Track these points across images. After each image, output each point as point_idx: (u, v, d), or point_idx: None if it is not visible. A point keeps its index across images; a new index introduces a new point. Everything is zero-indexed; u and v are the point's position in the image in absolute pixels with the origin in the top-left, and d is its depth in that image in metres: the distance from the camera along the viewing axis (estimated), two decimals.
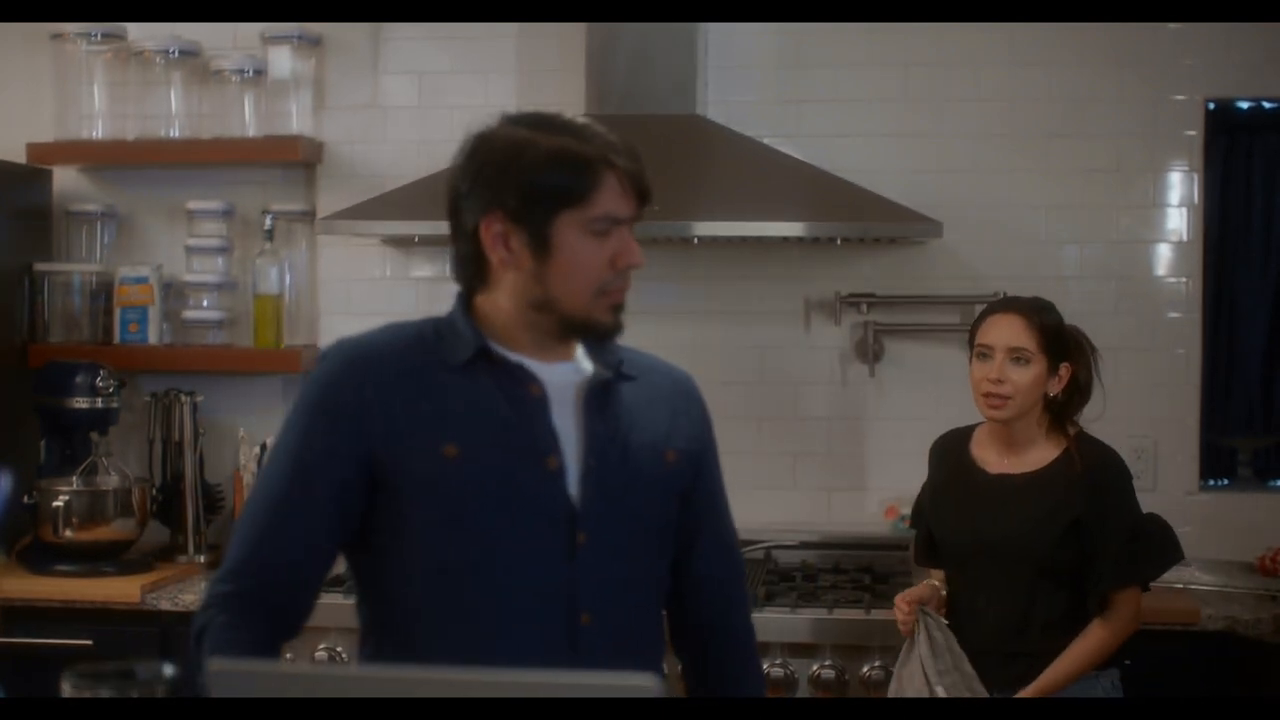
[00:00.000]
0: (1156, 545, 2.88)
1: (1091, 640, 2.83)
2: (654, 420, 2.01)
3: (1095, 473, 2.86)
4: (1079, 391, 2.93)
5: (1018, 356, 2.86)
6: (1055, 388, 2.90)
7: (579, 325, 1.93)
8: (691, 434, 2.07)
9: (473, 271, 1.95)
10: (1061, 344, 2.90)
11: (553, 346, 1.96)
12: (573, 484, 1.91)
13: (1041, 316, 2.89)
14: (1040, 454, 2.92)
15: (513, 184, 1.87)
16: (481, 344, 1.92)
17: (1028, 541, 2.85)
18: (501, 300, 1.93)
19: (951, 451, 3.03)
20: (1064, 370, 2.90)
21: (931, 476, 3.07)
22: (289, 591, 1.90)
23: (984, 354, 2.90)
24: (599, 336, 1.96)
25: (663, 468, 2.00)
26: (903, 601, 2.89)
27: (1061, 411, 2.92)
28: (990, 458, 2.96)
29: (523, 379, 1.92)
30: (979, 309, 3.08)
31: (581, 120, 1.95)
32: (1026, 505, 2.87)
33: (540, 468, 1.90)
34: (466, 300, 1.98)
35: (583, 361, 1.99)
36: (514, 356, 1.93)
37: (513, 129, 1.92)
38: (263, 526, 1.89)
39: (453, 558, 1.87)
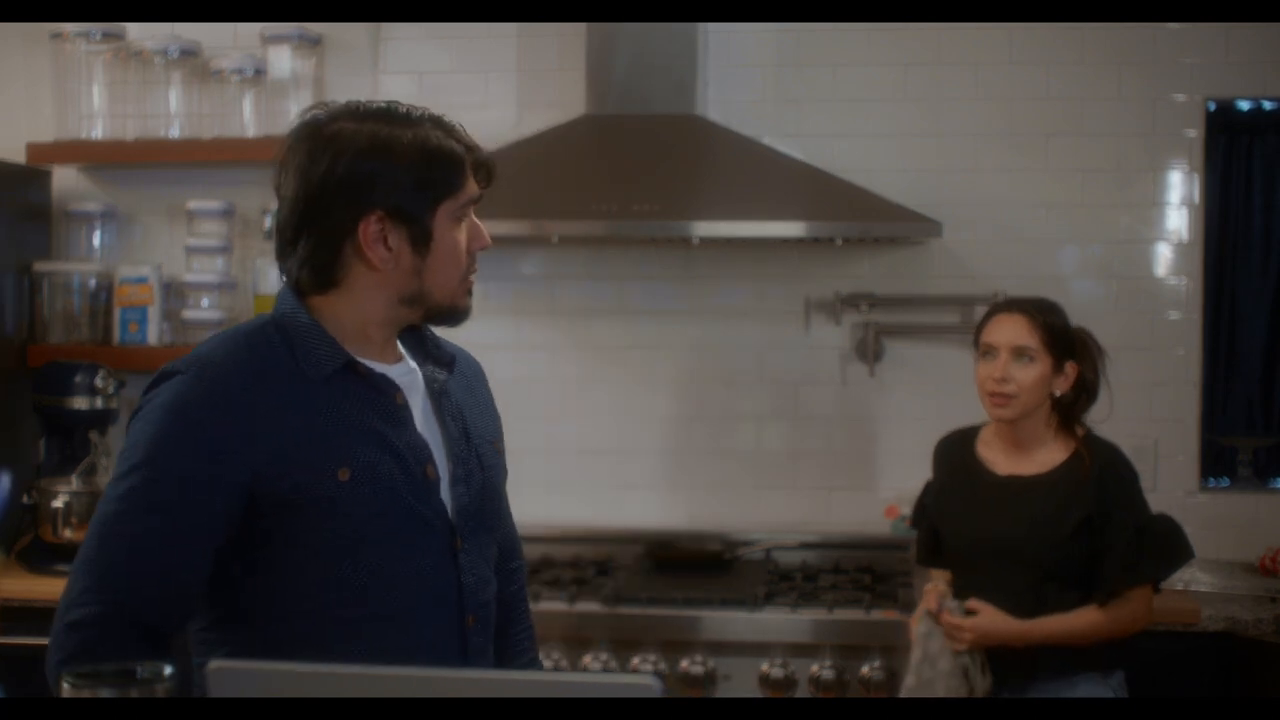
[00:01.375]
0: (1165, 545, 2.88)
1: (1086, 616, 2.82)
2: (479, 412, 2.04)
3: (1104, 471, 2.86)
4: (1086, 392, 2.93)
5: (1022, 355, 2.86)
6: (1061, 386, 2.90)
7: (445, 312, 1.94)
8: (497, 418, 2.10)
9: (327, 275, 1.88)
10: (1066, 343, 2.90)
11: (391, 345, 1.95)
12: (444, 490, 1.92)
13: (1045, 316, 2.89)
14: (1050, 455, 2.92)
15: (390, 183, 1.85)
16: (346, 357, 1.87)
17: (1038, 542, 2.84)
18: (357, 300, 1.89)
19: (957, 452, 3.02)
20: (1070, 369, 2.90)
21: (936, 477, 3.07)
22: (164, 626, 1.82)
23: (989, 353, 2.90)
24: (459, 320, 1.96)
25: (499, 460, 2.05)
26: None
27: (1069, 412, 2.92)
28: (998, 458, 2.96)
29: (387, 389, 1.90)
30: (979, 309, 3.09)
31: (408, 105, 1.95)
32: (1037, 506, 2.87)
33: (422, 479, 1.89)
34: (301, 301, 1.90)
35: (409, 358, 1.98)
36: (378, 367, 1.90)
37: (359, 124, 1.89)
38: (129, 563, 1.78)
39: (350, 575, 1.84)
